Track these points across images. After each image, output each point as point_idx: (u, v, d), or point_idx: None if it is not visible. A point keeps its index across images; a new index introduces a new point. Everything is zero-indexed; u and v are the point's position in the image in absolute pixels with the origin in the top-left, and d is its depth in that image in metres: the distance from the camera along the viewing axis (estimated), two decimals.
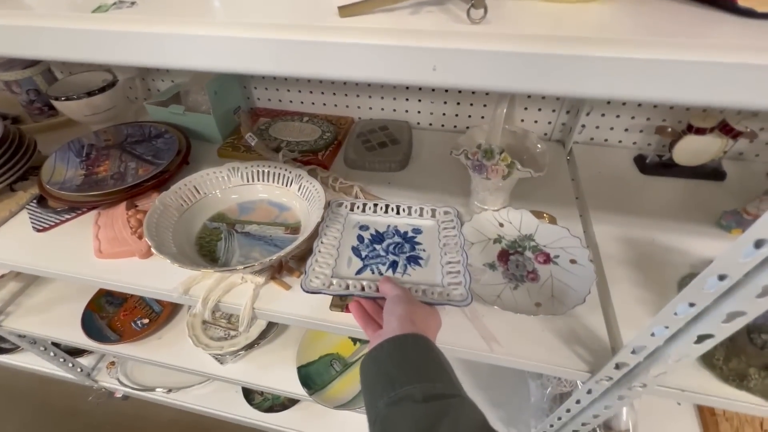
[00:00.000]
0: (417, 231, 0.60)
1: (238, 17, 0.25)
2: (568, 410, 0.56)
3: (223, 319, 0.88)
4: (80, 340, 0.89)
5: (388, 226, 0.61)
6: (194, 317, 0.88)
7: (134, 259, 0.59)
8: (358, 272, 0.54)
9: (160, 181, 0.68)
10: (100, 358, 1.21)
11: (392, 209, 0.62)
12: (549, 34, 0.22)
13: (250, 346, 0.84)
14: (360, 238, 0.59)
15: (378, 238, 0.59)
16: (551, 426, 0.62)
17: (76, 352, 1.18)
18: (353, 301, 0.49)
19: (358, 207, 0.63)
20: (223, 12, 0.25)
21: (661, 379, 0.42)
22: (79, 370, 1.15)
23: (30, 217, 0.66)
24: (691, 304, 0.33)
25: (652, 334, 0.37)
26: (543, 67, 0.22)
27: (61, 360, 1.11)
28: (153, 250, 0.49)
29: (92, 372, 1.19)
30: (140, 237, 0.60)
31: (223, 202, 0.64)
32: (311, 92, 0.87)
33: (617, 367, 0.43)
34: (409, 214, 0.62)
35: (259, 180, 0.65)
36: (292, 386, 0.82)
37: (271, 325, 0.89)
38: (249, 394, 1.13)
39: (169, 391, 1.13)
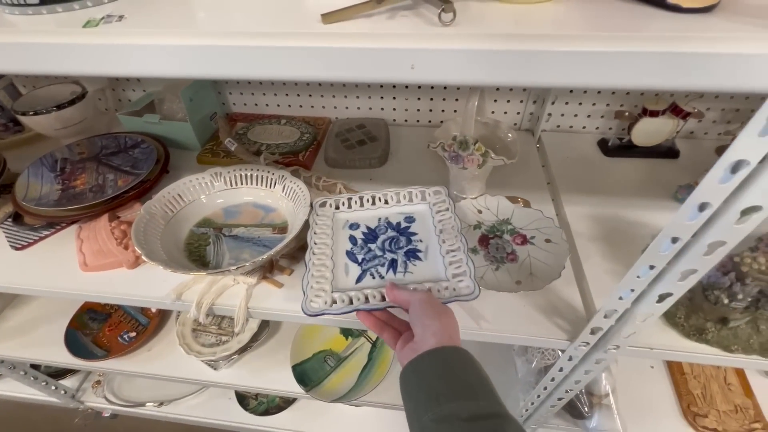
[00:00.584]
0: (410, 219, 0.58)
1: (227, 28, 0.26)
2: (553, 379, 0.60)
3: (213, 325, 0.88)
4: (65, 359, 0.87)
5: (379, 219, 0.58)
6: (184, 326, 0.88)
7: (122, 270, 0.59)
8: (358, 279, 0.51)
9: (142, 191, 0.67)
10: (84, 378, 1.18)
11: (380, 199, 0.59)
12: (512, 32, 0.25)
13: (242, 350, 0.84)
14: (353, 240, 0.56)
15: (371, 235, 0.56)
16: (538, 396, 0.67)
17: (58, 374, 1.14)
18: (361, 312, 0.47)
19: (343, 204, 0.60)
20: (213, 23, 0.27)
21: (632, 340, 0.46)
22: (62, 392, 1.12)
23: (6, 236, 0.65)
24: (651, 267, 0.37)
25: (620, 298, 0.41)
26: (509, 62, 0.24)
27: (43, 383, 1.07)
28: (144, 257, 0.50)
29: (77, 393, 1.15)
30: (126, 247, 0.60)
31: (208, 207, 0.65)
32: (287, 95, 0.88)
33: (592, 332, 0.47)
34: (398, 201, 0.59)
35: (243, 184, 0.66)
36: (288, 385, 0.83)
37: (262, 328, 0.89)
38: (243, 399, 1.13)
39: (161, 404, 1.11)
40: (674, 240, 0.34)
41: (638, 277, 0.38)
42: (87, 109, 0.81)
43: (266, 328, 0.91)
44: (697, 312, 0.48)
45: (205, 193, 0.65)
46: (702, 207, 0.31)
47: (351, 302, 0.47)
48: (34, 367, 1.05)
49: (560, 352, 0.54)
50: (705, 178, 0.29)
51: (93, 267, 0.59)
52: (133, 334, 0.91)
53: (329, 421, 1.09)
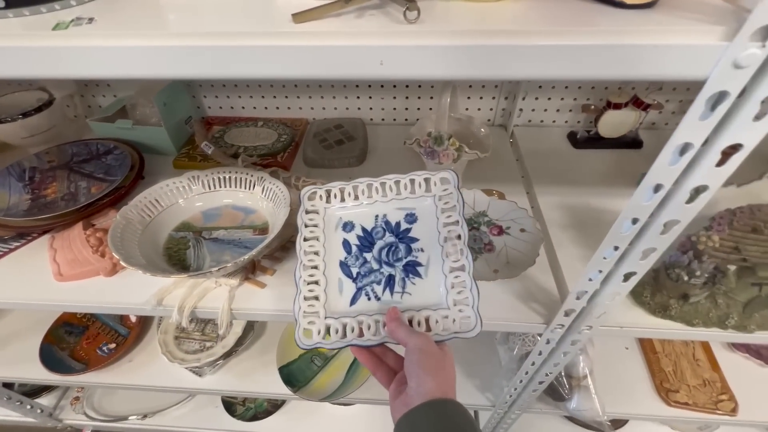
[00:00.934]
0: (411, 218, 0.50)
1: (199, 28, 0.27)
2: (533, 363, 0.62)
3: (196, 331, 0.87)
4: (41, 375, 0.84)
5: (377, 217, 0.51)
6: (166, 334, 0.86)
7: (99, 279, 0.58)
8: (353, 300, 0.47)
9: (116, 198, 0.66)
10: (62, 394, 1.14)
11: (377, 190, 0.51)
12: (474, 28, 0.27)
13: (227, 355, 0.84)
14: (346, 246, 0.50)
15: (367, 241, 0.50)
16: (521, 382, 0.69)
17: (33, 392, 1.10)
18: (354, 346, 0.45)
19: (335, 196, 0.52)
20: (184, 24, 0.28)
21: (603, 320, 0.49)
22: (39, 411, 1.08)
23: None
24: (616, 248, 0.39)
25: (590, 279, 0.43)
26: (472, 56, 0.26)
27: (18, 403, 1.03)
28: (122, 262, 0.49)
29: (55, 411, 1.11)
30: (103, 255, 0.59)
31: (186, 211, 0.64)
32: (263, 97, 0.88)
33: (566, 314, 0.49)
34: (398, 192, 0.51)
35: (221, 186, 0.66)
36: (276, 387, 0.83)
37: (247, 331, 0.89)
38: (230, 406, 1.12)
39: (144, 417, 1.09)
40: (634, 221, 0.36)
41: (604, 258, 0.41)
42: (55, 117, 0.80)
43: (251, 331, 0.90)
44: (661, 290, 0.51)
45: (183, 197, 0.64)
46: (656, 188, 0.33)
47: (345, 333, 0.45)
48: (7, 386, 1.01)
49: (538, 337, 0.56)
50: (656, 160, 0.31)
51: (68, 276, 0.58)
52: (113, 345, 0.89)
53: (319, 422, 1.09)
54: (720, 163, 0.30)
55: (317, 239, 0.50)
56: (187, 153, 0.79)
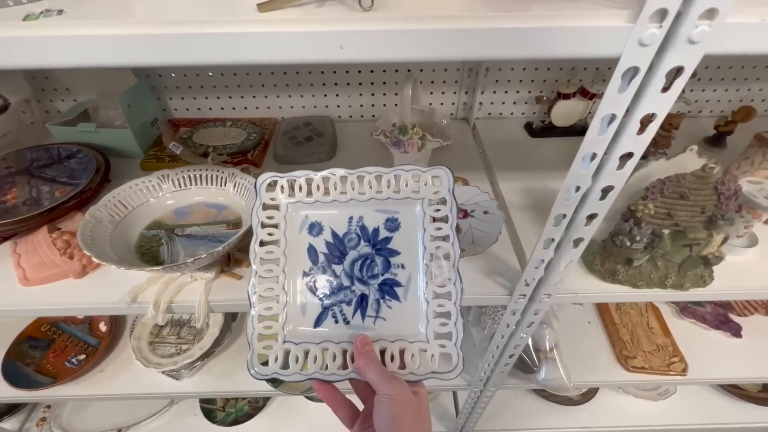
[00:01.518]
0: (392, 224, 0.43)
1: (169, 17, 0.29)
2: (502, 336, 0.66)
3: (172, 335, 0.86)
4: (4, 393, 0.80)
5: (350, 219, 0.43)
6: (139, 340, 0.85)
7: (68, 281, 0.57)
8: (318, 321, 0.41)
9: (82, 201, 0.65)
10: (27, 416, 1.08)
11: (352, 184, 0.42)
12: (425, 14, 0.30)
13: (205, 356, 0.83)
14: (312, 255, 0.42)
15: (337, 249, 0.42)
16: (492, 357, 0.73)
17: None
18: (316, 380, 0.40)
19: (300, 188, 0.43)
20: (154, 13, 0.29)
21: (560, 287, 0.54)
22: None
23: None
24: (564, 215, 0.44)
25: (544, 248, 0.48)
26: (423, 39, 0.29)
27: None
28: (94, 259, 0.49)
29: None
30: (71, 257, 0.58)
31: (158, 209, 0.64)
32: (230, 97, 0.88)
33: (527, 283, 0.53)
34: (380, 190, 0.42)
35: (192, 184, 0.66)
36: (256, 385, 0.83)
37: (224, 332, 0.88)
38: (210, 413, 1.10)
39: (119, 431, 1.06)
40: (576, 188, 0.41)
41: (555, 226, 0.45)
42: (10, 122, 0.77)
43: (228, 332, 0.90)
44: (609, 257, 0.56)
45: (154, 196, 0.64)
46: (592, 157, 0.38)
47: (305, 363, 0.40)
48: None
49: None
50: (588, 131, 0.35)
51: (35, 280, 0.56)
52: (83, 356, 0.86)
53: (301, 422, 1.10)
54: (640, 132, 0.34)
55: (277, 244, 0.42)
56: (154, 154, 0.79)
